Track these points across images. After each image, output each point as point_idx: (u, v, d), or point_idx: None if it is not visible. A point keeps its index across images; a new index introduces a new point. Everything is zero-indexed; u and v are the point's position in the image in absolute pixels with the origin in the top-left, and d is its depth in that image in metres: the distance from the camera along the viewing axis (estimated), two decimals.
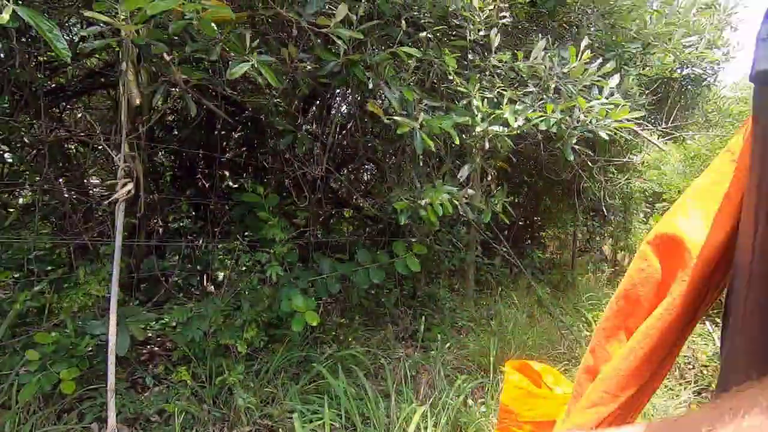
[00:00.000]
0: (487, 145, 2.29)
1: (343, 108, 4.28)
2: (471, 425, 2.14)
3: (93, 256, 2.67)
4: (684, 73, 4.08)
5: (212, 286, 3.63)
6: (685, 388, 2.87)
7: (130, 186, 1.37)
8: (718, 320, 3.34)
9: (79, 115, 3.84)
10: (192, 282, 2.83)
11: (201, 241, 3.10)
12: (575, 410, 0.61)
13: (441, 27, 2.24)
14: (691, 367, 3.54)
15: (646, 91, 3.30)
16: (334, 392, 2.45)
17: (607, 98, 2.09)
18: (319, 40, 1.74)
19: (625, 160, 5.64)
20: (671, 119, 4.44)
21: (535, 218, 8.04)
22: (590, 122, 1.99)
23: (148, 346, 2.97)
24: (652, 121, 5.77)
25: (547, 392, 0.66)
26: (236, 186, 3.91)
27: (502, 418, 0.68)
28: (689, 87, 5.23)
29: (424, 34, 2.12)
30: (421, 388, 2.62)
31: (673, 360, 0.56)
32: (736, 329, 0.44)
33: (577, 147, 2.17)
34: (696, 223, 0.52)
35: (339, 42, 1.62)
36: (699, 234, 0.51)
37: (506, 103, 2.09)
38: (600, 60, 2.12)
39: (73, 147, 3.50)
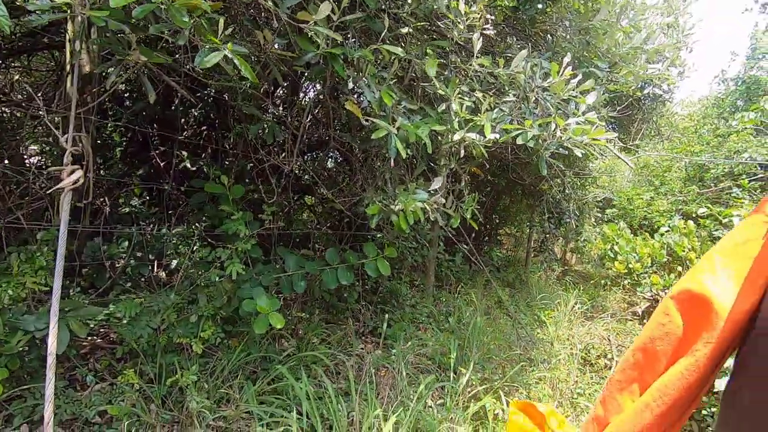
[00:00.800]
0: (462, 153, 2.27)
1: (311, 93, 4.11)
2: (432, 430, 2.14)
3: (28, 237, 2.40)
4: (645, 91, 4.27)
5: (164, 274, 3.41)
6: None
7: (78, 174, 1.20)
8: None
9: (17, 77, 3.44)
10: (143, 272, 2.62)
11: (154, 227, 2.89)
12: None
13: (423, 24, 2.17)
14: None
15: (611, 108, 3.42)
16: (294, 393, 2.38)
17: (584, 114, 2.12)
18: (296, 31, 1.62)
19: (585, 173, 5.87)
20: (632, 133, 4.66)
21: (494, 216, 8.25)
22: (566, 139, 2.01)
23: (90, 338, 2.74)
24: (614, 134, 6.04)
25: None
26: (194, 168, 3.67)
27: None
28: (647, 103, 5.52)
29: (406, 29, 2.03)
30: (382, 388, 2.60)
31: (687, 418, 0.55)
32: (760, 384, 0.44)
33: (548, 159, 2.18)
34: (724, 284, 0.52)
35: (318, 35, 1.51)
36: (727, 296, 0.50)
37: (484, 111, 2.07)
38: (579, 77, 2.14)
39: (7, 111, 3.14)
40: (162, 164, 3.58)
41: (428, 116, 2.05)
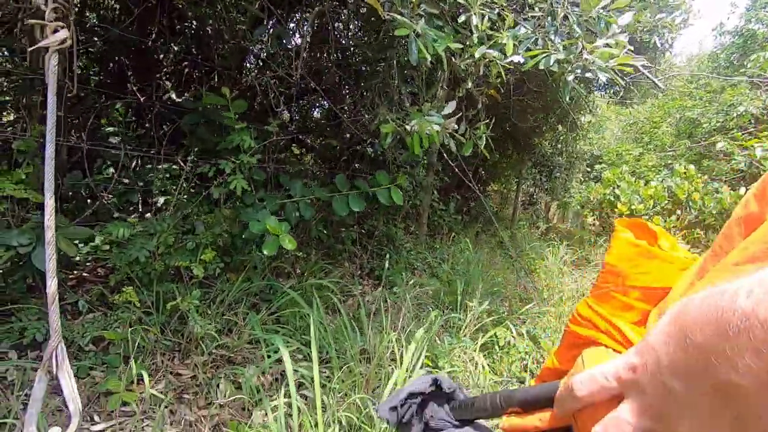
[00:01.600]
0: (481, 71, 2.11)
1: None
2: (442, 357, 2.11)
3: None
4: (651, 40, 4.11)
5: (162, 200, 3.19)
6: None
7: (64, 33, 1.00)
8: None
9: None
10: (131, 198, 2.42)
11: (141, 152, 2.64)
12: (719, 268, 0.44)
13: None
14: None
15: None
16: (299, 324, 2.30)
17: (613, 36, 1.96)
18: None
19: (577, 128, 5.78)
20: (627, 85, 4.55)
21: (482, 172, 8.19)
22: (592, 62, 1.87)
23: (75, 271, 2.56)
24: (609, 83, 5.94)
25: (668, 254, 0.49)
26: (179, 100, 3.39)
27: (602, 282, 0.50)
28: (647, 53, 5.39)
29: None
30: (390, 321, 2.55)
31: None
32: None
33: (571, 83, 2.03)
34: None
35: None
36: None
37: (506, 29, 1.89)
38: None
39: None
40: (142, 99, 3.28)
41: (446, 28, 1.87)
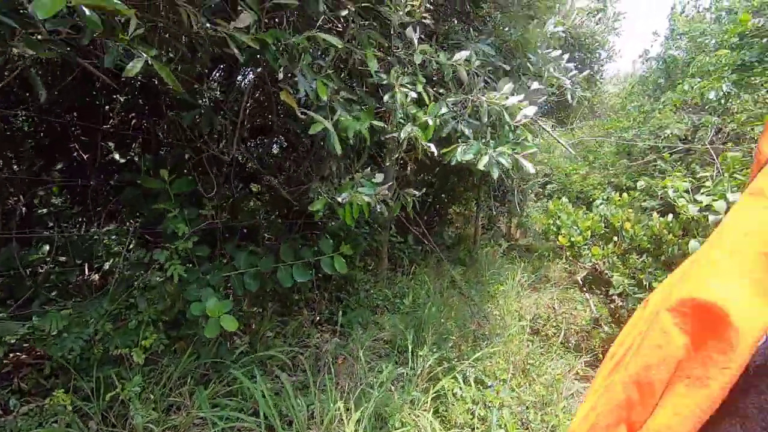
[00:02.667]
0: (405, 146, 2.23)
1: (251, 75, 3.87)
2: (394, 415, 2.15)
3: None
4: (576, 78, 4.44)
5: (97, 277, 3.12)
6: (576, 358, 3.23)
7: None
8: (594, 288, 3.76)
9: None
10: (69, 278, 2.37)
11: (81, 227, 2.61)
12: None
13: (365, 4, 2.07)
14: (574, 332, 4.03)
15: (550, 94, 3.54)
16: (250, 393, 2.29)
17: (517, 125, 2.14)
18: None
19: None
20: (570, 117, 4.86)
21: (443, 195, 8.41)
22: (497, 155, 2.04)
23: (12, 356, 2.46)
24: (550, 109, 6.33)
25: None
26: (124, 161, 3.36)
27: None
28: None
29: (345, 12, 1.92)
30: (341, 377, 2.58)
31: None
32: None
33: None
34: (736, 289, 0.40)
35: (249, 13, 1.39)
36: (743, 304, 0.39)
37: (429, 105, 2.03)
38: (520, 97, 2.10)
39: None
40: (86, 157, 3.23)
41: (368, 107, 1.98)
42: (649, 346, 0.44)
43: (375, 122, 1.80)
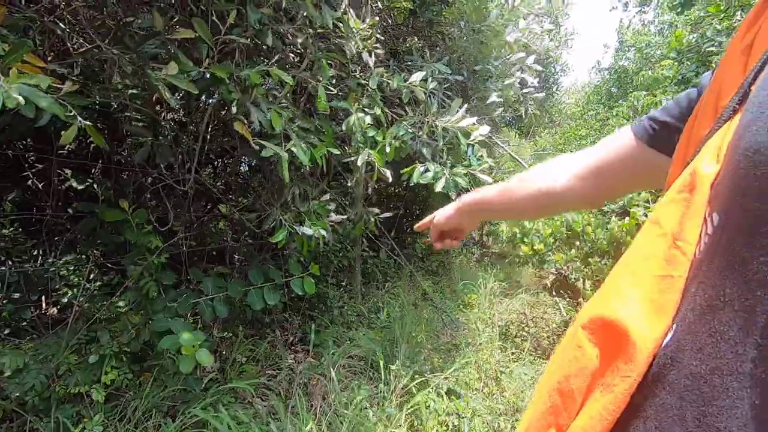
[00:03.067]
0: (364, 170, 2.28)
1: (212, 99, 3.85)
2: None
3: None
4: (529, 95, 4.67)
5: (55, 311, 2.99)
6: (546, 362, 3.32)
7: None
8: (562, 292, 3.89)
9: None
10: (24, 315, 2.27)
11: (37, 261, 2.51)
12: None
13: (321, 30, 2.12)
14: (544, 336, 4.15)
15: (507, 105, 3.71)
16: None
17: (472, 143, 2.24)
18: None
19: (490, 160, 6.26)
20: (531, 127, 5.05)
21: (414, 207, 8.52)
22: (455, 175, 2.14)
23: None
24: (512, 121, 6.57)
25: None
26: (82, 187, 3.25)
27: None
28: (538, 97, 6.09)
29: (301, 40, 1.96)
30: (315, 398, 2.56)
31: None
32: None
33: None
34: (635, 308, 0.46)
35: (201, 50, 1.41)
36: (640, 321, 0.45)
37: (387, 129, 2.09)
38: (474, 120, 2.20)
39: None
40: (40, 185, 3.12)
41: (326, 133, 2.01)
42: (568, 358, 0.50)
43: (332, 149, 1.84)
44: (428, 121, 2.09)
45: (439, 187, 2.07)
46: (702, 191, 0.44)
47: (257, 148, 1.58)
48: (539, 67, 3.37)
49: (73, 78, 2.18)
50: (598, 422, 0.44)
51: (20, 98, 1.06)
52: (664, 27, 7.03)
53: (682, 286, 0.45)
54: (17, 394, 1.86)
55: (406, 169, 2.04)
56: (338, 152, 1.91)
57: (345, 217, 2.11)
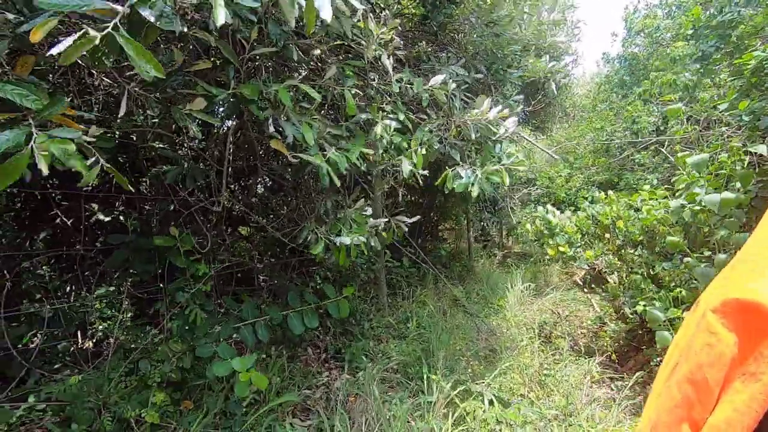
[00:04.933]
0: (390, 176, 2.25)
1: (229, 122, 3.90)
2: None
3: None
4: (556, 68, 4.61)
5: (91, 344, 3.01)
6: (589, 361, 3.18)
7: None
8: (594, 287, 3.75)
9: None
10: (63, 351, 2.28)
11: (71, 296, 2.53)
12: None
13: (337, 43, 2.12)
14: (582, 335, 4.01)
15: (525, 99, 3.66)
16: None
17: (501, 137, 2.20)
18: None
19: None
20: (546, 122, 4.98)
21: (432, 214, 8.46)
22: (486, 181, 2.11)
23: None
24: (526, 118, 6.49)
25: None
26: (109, 218, 3.30)
27: None
28: (552, 90, 5.99)
29: (318, 51, 1.95)
30: (356, 416, 2.50)
31: None
32: None
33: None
34: None
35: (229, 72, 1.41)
36: None
37: (414, 136, 2.07)
38: (499, 107, 2.17)
39: None
40: (69, 222, 3.17)
41: (356, 138, 2.00)
42: (699, 345, 0.46)
43: (364, 149, 1.82)
44: (455, 121, 2.05)
45: (475, 194, 2.03)
46: None
47: (296, 161, 1.57)
48: (564, 39, 3.31)
49: (95, 115, 2.22)
50: (745, 415, 0.40)
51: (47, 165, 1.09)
52: (672, 9, 6.90)
53: None
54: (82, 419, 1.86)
55: (438, 180, 2.01)
56: (371, 152, 1.89)
57: (386, 220, 2.07)
